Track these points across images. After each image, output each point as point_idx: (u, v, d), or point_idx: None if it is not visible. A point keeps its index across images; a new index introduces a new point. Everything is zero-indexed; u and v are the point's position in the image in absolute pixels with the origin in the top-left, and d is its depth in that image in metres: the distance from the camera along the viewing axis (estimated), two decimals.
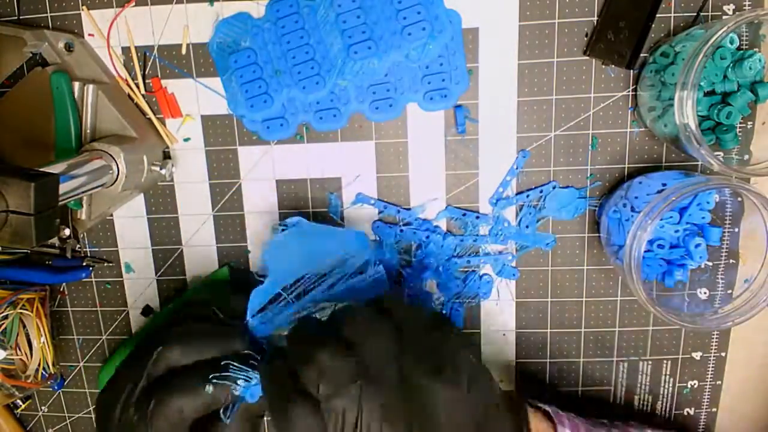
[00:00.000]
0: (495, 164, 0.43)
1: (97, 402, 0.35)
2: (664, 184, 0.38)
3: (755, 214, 0.37)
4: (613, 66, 0.40)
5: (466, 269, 0.44)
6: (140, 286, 0.47)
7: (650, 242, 0.40)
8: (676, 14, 0.40)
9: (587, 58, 0.41)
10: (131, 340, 0.46)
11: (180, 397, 0.32)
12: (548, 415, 0.38)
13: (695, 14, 0.40)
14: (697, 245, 0.39)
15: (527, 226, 0.43)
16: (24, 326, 0.44)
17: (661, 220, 0.36)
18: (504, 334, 0.46)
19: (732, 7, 0.39)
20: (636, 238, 0.35)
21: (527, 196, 0.43)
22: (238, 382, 0.32)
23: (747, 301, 0.37)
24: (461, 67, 0.41)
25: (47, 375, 0.45)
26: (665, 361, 0.46)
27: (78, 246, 0.46)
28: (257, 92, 0.41)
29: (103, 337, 0.48)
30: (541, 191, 0.43)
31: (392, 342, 0.31)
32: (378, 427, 0.29)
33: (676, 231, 0.40)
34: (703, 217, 0.40)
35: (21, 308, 0.43)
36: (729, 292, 0.41)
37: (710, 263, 0.41)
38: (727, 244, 0.41)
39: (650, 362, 0.46)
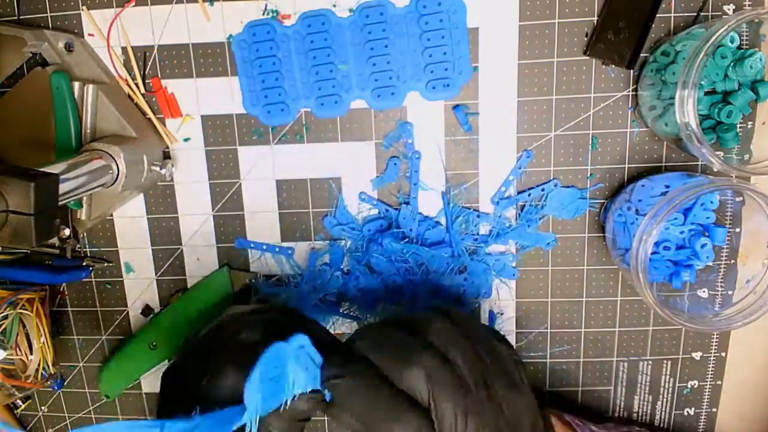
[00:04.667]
0: (495, 164, 0.43)
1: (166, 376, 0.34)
2: (667, 186, 0.38)
3: (758, 214, 0.37)
4: (613, 66, 0.40)
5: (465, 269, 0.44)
6: (140, 286, 0.47)
7: (656, 244, 0.40)
8: (676, 14, 0.40)
9: (587, 58, 0.41)
10: (131, 340, 0.46)
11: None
12: (570, 425, 0.39)
13: (695, 14, 0.40)
14: (704, 245, 0.39)
15: (529, 225, 0.43)
16: (24, 326, 0.44)
17: (666, 222, 0.36)
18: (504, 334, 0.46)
19: (732, 6, 0.39)
20: (642, 242, 0.35)
21: (529, 194, 0.43)
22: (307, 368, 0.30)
23: (754, 302, 0.37)
24: (465, 57, 0.41)
25: (47, 375, 0.45)
26: (665, 361, 0.46)
27: (78, 246, 0.46)
28: (276, 100, 0.42)
29: (103, 337, 0.48)
30: (543, 189, 0.43)
31: (473, 352, 0.32)
32: None
33: (681, 232, 0.40)
34: (708, 217, 0.40)
35: (21, 308, 0.43)
36: (730, 292, 0.41)
37: (711, 264, 0.41)
38: (728, 244, 0.41)
39: (650, 362, 0.46)
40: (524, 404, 0.32)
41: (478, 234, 0.44)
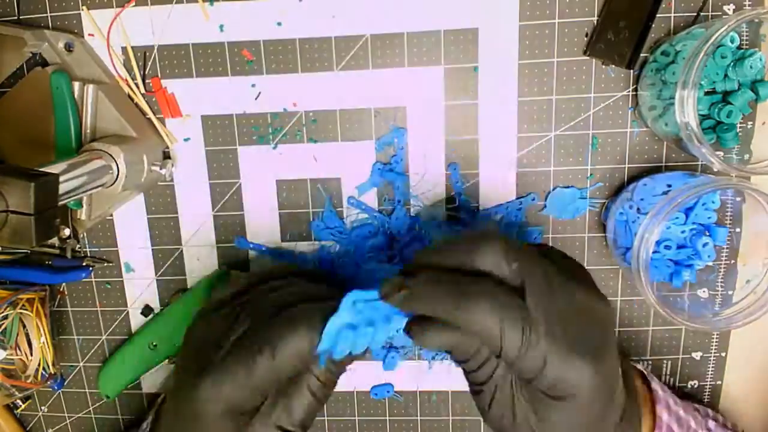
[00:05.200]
0: (495, 163, 0.43)
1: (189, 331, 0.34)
2: (669, 186, 0.38)
3: (759, 214, 0.37)
4: (613, 66, 0.40)
5: None
6: (140, 286, 0.47)
7: (657, 243, 0.40)
8: (676, 14, 0.40)
9: (587, 58, 0.41)
10: (131, 340, 0.46)
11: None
12: (644, 377, 0.39)
13: (695, 14, 0.40)
14: (705, 244, 0.39)
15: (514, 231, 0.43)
16: (24, 326, 0.44)
17: (667, 221, 0.36)
18: None
19: (732, 6, 0.39)
20: (643, 241, 0.35)
21: (506, 208, 0.43)
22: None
23: (754, 302, 0.37)
24: None
25: (47, 375, 0.45)
26: (665, 361, 0.46)
27: (78, 246, 0.46)
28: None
29: (103, 337, 0.48)
30: (521, 203, 0.43)
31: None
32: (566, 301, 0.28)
33: (683, 231, 0.40)
34: (709, 217, 0.40)
35: (21, 308, 0.43)
36: (730, 292, 0.41)
37: (711, 264, 0.41)
38: (728, 244, 0.41)
39: (650, 362, 0.46)
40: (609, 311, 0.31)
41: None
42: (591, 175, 0.43)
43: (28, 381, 0.44)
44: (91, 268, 0.46)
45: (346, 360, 0.31)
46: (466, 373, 0.30)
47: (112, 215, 0.45)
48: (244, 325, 0.31)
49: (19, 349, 0.43)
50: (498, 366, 0.29)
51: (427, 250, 0.30)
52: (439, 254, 0.29)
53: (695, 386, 0.46)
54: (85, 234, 0.46)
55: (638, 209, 0.39)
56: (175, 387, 0.33)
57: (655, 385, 0.39)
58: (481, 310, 0.26)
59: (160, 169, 0.42)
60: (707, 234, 0.40)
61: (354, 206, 0.44)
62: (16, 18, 0.42)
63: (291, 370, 0.30)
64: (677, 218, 0.39)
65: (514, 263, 0.28)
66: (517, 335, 0.26)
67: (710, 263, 0.40)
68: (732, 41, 0.37)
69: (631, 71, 0.41)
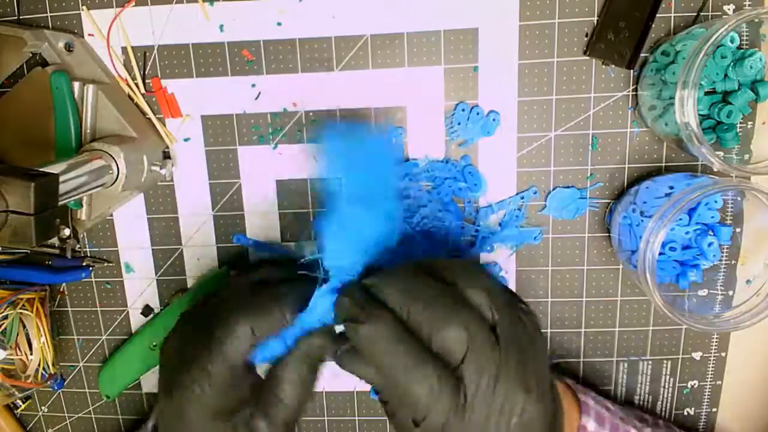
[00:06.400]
0: (495, 163, 0.43)
1: (161, 349, 0.36)
2: (671, 188, 0.38)
3: (761, 215, 0.37)
4: (613, 66, 0.40)
5: None
6: (140, 286, 0.47)
7: (662, 245, 0.40)
8: (676, 14, 0.40)
9: (587, 58, 0.41)
10: (131, 340, 0.46)
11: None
12: (576, 398, 0.39)
13: (695, 14, 0.40)
14: (710, 244, 0.39)
15: (515, 226, 0.43)
16: (24, 326, 0.44)
17: (672, 223, 0.36)
18: None
19: (732, 6, 0.39)
20: (648, 244, 0.35)
21: (509, 203, 0.43)
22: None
23: (757, 303, 0.37)
24: None
25: (47, 375, 0.45)
26: (665, 361, 0.46)
27: (78, 246, 0.46)
28: None
29: (103, 337, 0.48)
30: (522, 198, 0.43)
31: (510, 312, 0.32)
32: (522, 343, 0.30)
33: (687, 232, 0.40)
34: (713, 217, 0.40)
35: (21, 308, 0.43)
36: (730, 293, 0.41)
37: (717, 263, 0.41)
38: (730, 244, 0.41)
39: (650, 362, 0.46)
40: (548, 373, 0.31)
41: (464, 245, 0.44)
42: (591, 175, 0.43)
43: (28, 381, 0.44)
44: (91, 268, 0.46)
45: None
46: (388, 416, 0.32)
47: (112, 215, 0.45)
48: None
49: (19, 349, 0.43)
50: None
51: (388, 282, 0.31)
52: (403, 303, 0.30)
53: (695, 386, 0.46)
54: (85, 234, 0.46)
55: (641, 212, 0.39)
56: (160, 392, 0.35)
57: (586, 397, 0.39)
58: (418, 390, 0.28)
59: (160, 169, 0.42)
60: (711, 234, 0.40)
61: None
62: (16, 18, 0.42)
63: (240, 356, 0.32)
64: (681, 219, 0.39)
65: (470, 360, 0.28)
66: (439, 419, 0.28)
67: (716, 263, 0.40)
68: (732, 41, 0.37)
69: (631, 71, 0.41)
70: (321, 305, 0.32)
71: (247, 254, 0.46)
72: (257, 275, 0.37)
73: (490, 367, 0.28)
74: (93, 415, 0.50)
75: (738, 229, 0.41)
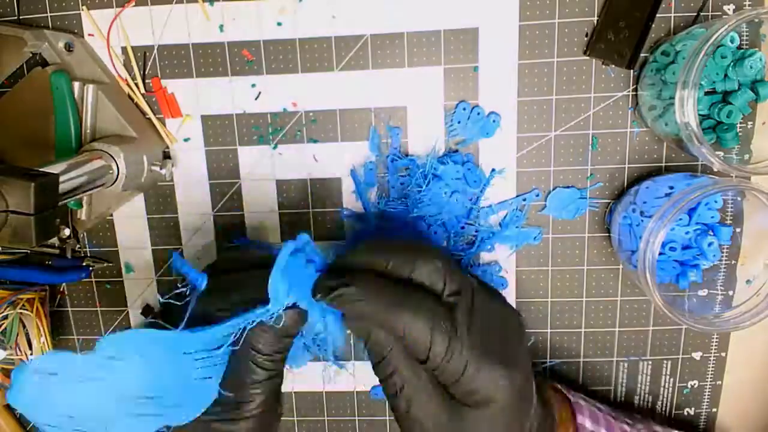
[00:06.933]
0: (495, 163, 0.43)
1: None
2: (671, 188, 0.38)
3: (761, 215, 0.37)
4: (613, 66, 0.40)
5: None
6: (140, 286, 0.47)
7: (662, 245, 0.40)
8: (676, 14, 0.40)
9: (587, 58, 0.41)
10: None
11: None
12: (567, 399, 0.39)
13: (695, 14, 0.40)
14: (710, 244, 0.39)
15: (516, 226, 0.43)
16: (24, 326, 0.44)
17: (672, 223, 0.36)
18: None
19: (732, 6, 0.39)
20: (649, 244, 0.35)
21: (510, 203, 0.43)
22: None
23: (757, 304, 0.37)
24: None
25: None
26: (665, 361, 0.46)
27: (78, 246, 0.46)
28: None
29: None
30: (524, 199, 0.43)
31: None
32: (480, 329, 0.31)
33: (687, 232, 0.40)
34: (713, 216, 0.40)
35: (21, 308, 0.43)
36: (730, 293, 0.41)
37: (717, 263, 0.41)
38: (732, 243, 0.41)
39: (650, 362, 0.46)
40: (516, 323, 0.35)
41: (464, 245, 0.44)
42: (591, 175, 0.43)
43: None
44: (91, 268, 0.46)
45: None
46: (381, 381, 0.32)
47: (112, 215, 0.45)
48: None
49: (19, 349, 0.43)
50: (408, 379, 0.31)
51: (361, 250, 0.32)
52: (374, 258, 0.31)
53: (695, 386, 0.46)
54: (85, 234, 0.46)
55: (641, 212, 0.39)
56: None
57: (576, 398, 0.40)
58: (416, 318, 0.29)
59: (160, 169, 0.42)
60: (711, 234, 0.40)
61: (347, 218, 0.44)
62: (16, 18, 0.42)
63: None
64: (681, 219, 0.39)
65: (450, 282, 0.31)
66: (443, 344, 0.29)
67: (716, 262, 0.40)
68: (732, 41, 0.37)
69: (631, 71, 0.41)
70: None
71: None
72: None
73: (468, 291, 0.31)
74: None
75: (738, 229, 0.41)
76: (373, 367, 0.32)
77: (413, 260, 0.31)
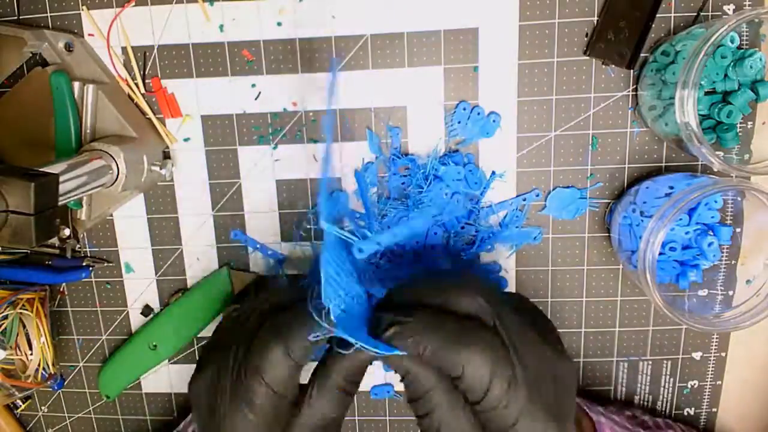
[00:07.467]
0: (495, 163, 0.43)
1: (191, 389, 0.34)
2: (671, 188, 0.38)
3: (761, 215, 0.37)
4: (613, 66, 0.40)
5: None
6: (140, 286, 0.47)
7: (662, 245, 0.40)
8: (676, 14, 0.40)
9: (587, 58, 0.41)
10: (131, 340, 0.46)
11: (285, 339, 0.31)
12: (590, 419, 0.39)
13: (695, 14, 0.40)
14: (710, 244, 0.39)
15: (516, 226, 0.43)
16: (24, 326, 0.44)
17: (672, 223, 0.36)
18: None
19: (732, 6, 0.39)
20: (649, 244, 0.35)
21: (510, 203, 0.43)
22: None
23: (757, 304, 0.37)
24: None
25: (47, 375, 0.45)
26: (665, 361, 0.46)
27: (78, 246, 0.46)
28: None
29: (103, 337, 0.48)
30: (524, 199, 0.43)
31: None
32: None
33: (687, 232, 0.40)
34: (713, 217, 0.40)
35: (21, 308, 0.43)
36: (730, 293, 0.41)
37: (717, 263, 0.41)
38: (730, 243, 0.41)
39: (650, 362, 0.46)
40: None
41: (463, 244, 0.44)
42: (591, 175, 0.43)
43: (28, 381, 0.44)
44: (91, 268, 0.46)
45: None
46: (416, 416, 0.31)
47: (112, 215, 0.45)
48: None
49: (19, 349, 0.43)
50: (447, 421, 0.29)
51: (404, 289, 0.31)
52: (418, 295, 0.30)
53: (695, 386, 0.46)
54: (85, 234, 0.46)
55: (641, 212, 0.39)
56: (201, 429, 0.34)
57: (597, 415, 0.40)
58: (477, 356, 0.27)
59: (160, 169, 0.42)
60: (711, 234, 0.40)
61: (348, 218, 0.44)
62: (16, 18, 0.42)
63: (282, 383, 0.31)
64: (681, 219, 0.39)
65: (495, 319, 0.30)
66: (502, 388, 0.28)
67: (716, 262, 0.40)
68: (732, 41, 0.37)
69: (631, 71, 0.41)
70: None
71: (247, 253, 0.46)
72: (271, 300, 0.35)
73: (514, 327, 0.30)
74: (93, 415, 0.50)
75: (738, 229, 0.41)
76: (409, 401, 0.31)
77: (451, 298, 0.30)
